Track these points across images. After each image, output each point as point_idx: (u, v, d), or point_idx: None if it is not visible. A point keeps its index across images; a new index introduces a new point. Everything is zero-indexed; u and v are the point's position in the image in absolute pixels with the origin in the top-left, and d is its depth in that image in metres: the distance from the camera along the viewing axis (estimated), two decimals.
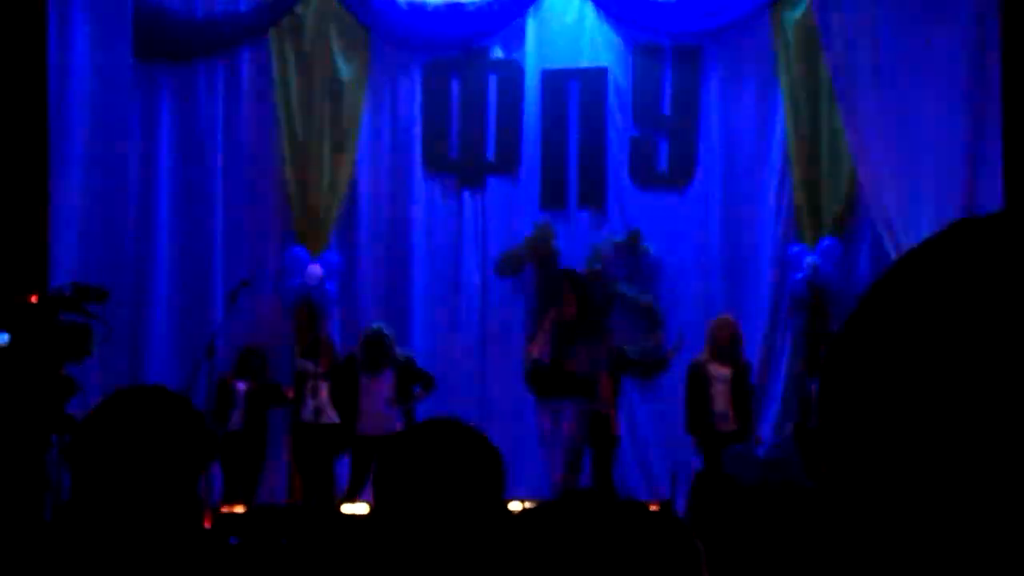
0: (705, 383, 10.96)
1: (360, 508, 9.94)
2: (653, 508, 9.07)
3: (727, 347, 11.03)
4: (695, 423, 11.05)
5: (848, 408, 0.90)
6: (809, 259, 12.27)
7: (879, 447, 0.87)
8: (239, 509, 10.24)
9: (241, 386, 11.60)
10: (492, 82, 13.22)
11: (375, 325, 11.63)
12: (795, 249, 12.45)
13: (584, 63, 13.06)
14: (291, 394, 11.80)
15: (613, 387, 11.07)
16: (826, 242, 12.36)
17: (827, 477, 0.91)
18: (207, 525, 9.03)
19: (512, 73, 13.16)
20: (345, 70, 13.17)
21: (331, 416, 11.53)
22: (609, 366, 10.99)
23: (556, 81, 13.07)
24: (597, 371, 10.75)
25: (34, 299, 8.55)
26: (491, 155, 13.19)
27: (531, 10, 13.09)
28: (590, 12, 13.06)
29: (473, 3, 13.03)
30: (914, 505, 0.86)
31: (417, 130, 13.26)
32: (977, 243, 0.89)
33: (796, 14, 12.55)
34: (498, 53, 13.25)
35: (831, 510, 0.90)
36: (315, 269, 12.94)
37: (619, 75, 13.02)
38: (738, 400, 11.01)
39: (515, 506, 8.47)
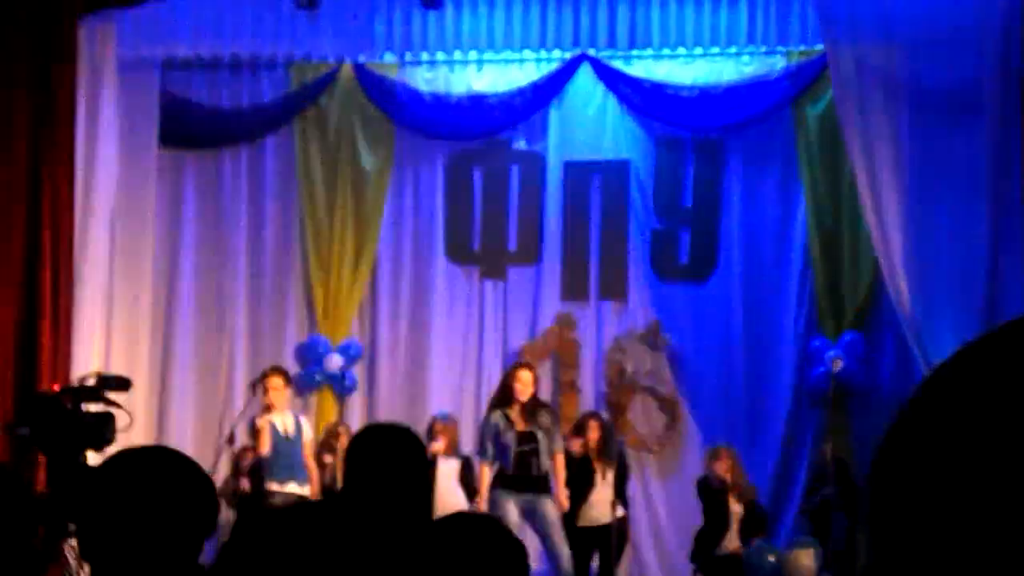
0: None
1: None
2: None
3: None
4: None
5: (903, 511, 0.86)
6: (831, 353, 12.19)
7: (938, 556, 0.84)
8: None
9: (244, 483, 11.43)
10: (514, 173, 13.27)
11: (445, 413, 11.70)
12: (817, 343, 12.40)
13: (606, 155, 13.11)
14: None
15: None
16: (848, 336, 12.30)
17: None
18: None
19: (534, 164, 13.21)
20: (368, 160, 13.24)
21: None
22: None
23: (578, 173, 13.11)
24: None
25: (56, 388, 8.57)
26: (513, 245, 13.21)
27: (554, 102, 13.17)
28: (612, 105, 13.12)
29: (496, 95, 13.11)
30: None
31: (439, 220, 13.30)
32: None
33: (818, 110, 12.60)
34: (520, 144, 13.30)
35: None
36: (336, 359, 12.94)
37: (641, 167, 13.05)
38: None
39: None
